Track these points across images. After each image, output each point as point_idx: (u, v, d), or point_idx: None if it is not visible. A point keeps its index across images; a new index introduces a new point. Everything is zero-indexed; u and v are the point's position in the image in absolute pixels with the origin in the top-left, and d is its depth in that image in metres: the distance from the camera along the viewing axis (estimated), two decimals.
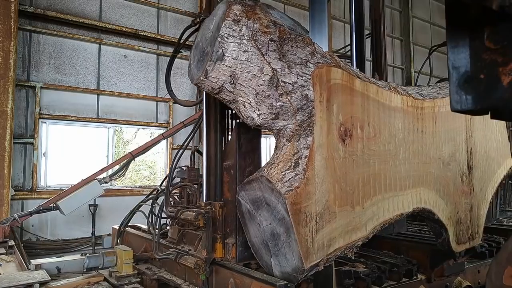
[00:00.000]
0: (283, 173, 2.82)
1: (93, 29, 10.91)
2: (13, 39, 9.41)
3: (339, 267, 3.71)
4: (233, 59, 2.78)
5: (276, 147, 3.05)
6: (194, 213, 3.40)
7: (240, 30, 2.80)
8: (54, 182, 10.29)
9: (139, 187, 11.65)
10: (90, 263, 3.92)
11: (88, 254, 4.05)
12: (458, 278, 4.15)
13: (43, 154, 10.28)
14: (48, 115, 10.22)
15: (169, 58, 10.34)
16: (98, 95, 10.99)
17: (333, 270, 3.41)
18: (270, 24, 2.88)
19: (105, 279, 3.95)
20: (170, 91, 4.05)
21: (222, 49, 2.76)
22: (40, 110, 10.08)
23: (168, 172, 4.16)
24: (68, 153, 10.73)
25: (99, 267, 3.96)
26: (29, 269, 4.44)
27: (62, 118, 10.41)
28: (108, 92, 11.06)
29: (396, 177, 3.35)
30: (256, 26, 2.82)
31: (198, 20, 3.90)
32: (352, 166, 3.07)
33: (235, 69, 2.80)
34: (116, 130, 11.70)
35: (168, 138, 10.91)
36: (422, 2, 19.66)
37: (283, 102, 2.88)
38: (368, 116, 3.20)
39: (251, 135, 3.50)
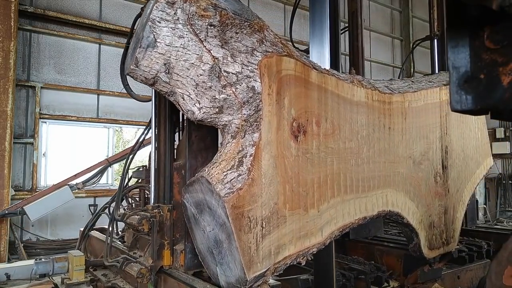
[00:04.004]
0: (224, 173, 2.41)
1: (93, 29, 10.66)
2: (13, 39, 9.17)
3: (298, 275, 3.28)
4: (167, 45, 2.37)
5: (221, 145, 2.65)
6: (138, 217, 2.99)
7: (174, 13, 2.39)
8: (54, 182, 9.96)
9: None
10: (39, 270, 3.53)
11: (37, 260, 3.66)
12: (436, 284, 3.70)
13: (43, 154, 10.04)
14: (48, 115, 9.97)
15: None
16: (98, 95, 10.72)
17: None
18: (209, 7, 2.47)
19: (55, 286, 3.58)
20: (126, 85, 3.66)
21: (154, 35, 2.35)
22: (40, 110, 9.84)
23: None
24: (68, 153, 10.46)
25: (50, 274, 3.57)
26: None
27: (62, 118, 10.16)
28: (108, 92, 10.78)
29: (358, 178, 2.91)
30: (192, 9, 2.41)
31: None
32: (306, 166, 2.65)
33: (170, 57, 2.39)
34: (116, 130, 11.41)
35: None
36: (422, 2, 19.05)
37: (227, 95, 2.48)
38: (326, 111, 2.77)
39: (204, 132, 3.08)
